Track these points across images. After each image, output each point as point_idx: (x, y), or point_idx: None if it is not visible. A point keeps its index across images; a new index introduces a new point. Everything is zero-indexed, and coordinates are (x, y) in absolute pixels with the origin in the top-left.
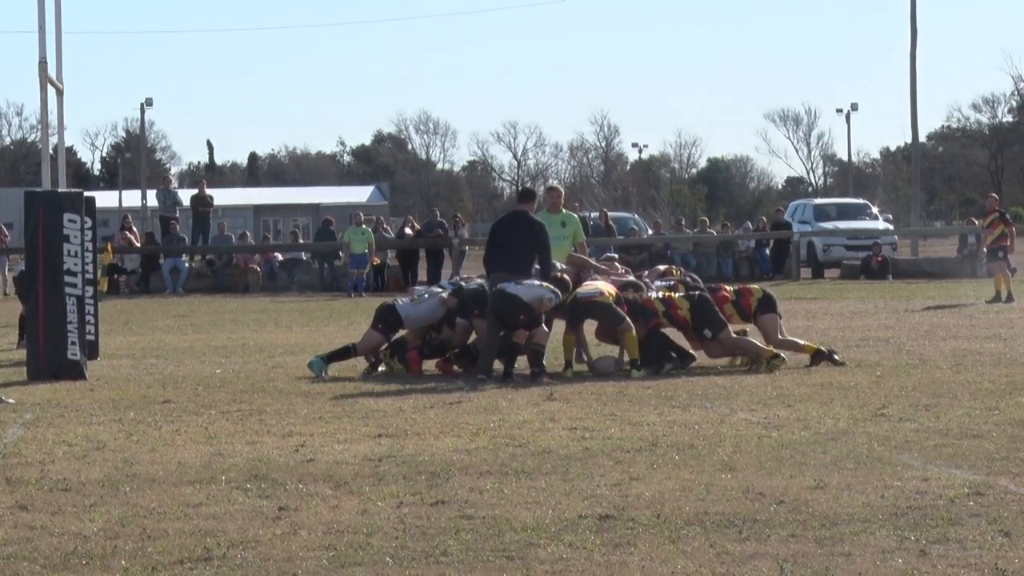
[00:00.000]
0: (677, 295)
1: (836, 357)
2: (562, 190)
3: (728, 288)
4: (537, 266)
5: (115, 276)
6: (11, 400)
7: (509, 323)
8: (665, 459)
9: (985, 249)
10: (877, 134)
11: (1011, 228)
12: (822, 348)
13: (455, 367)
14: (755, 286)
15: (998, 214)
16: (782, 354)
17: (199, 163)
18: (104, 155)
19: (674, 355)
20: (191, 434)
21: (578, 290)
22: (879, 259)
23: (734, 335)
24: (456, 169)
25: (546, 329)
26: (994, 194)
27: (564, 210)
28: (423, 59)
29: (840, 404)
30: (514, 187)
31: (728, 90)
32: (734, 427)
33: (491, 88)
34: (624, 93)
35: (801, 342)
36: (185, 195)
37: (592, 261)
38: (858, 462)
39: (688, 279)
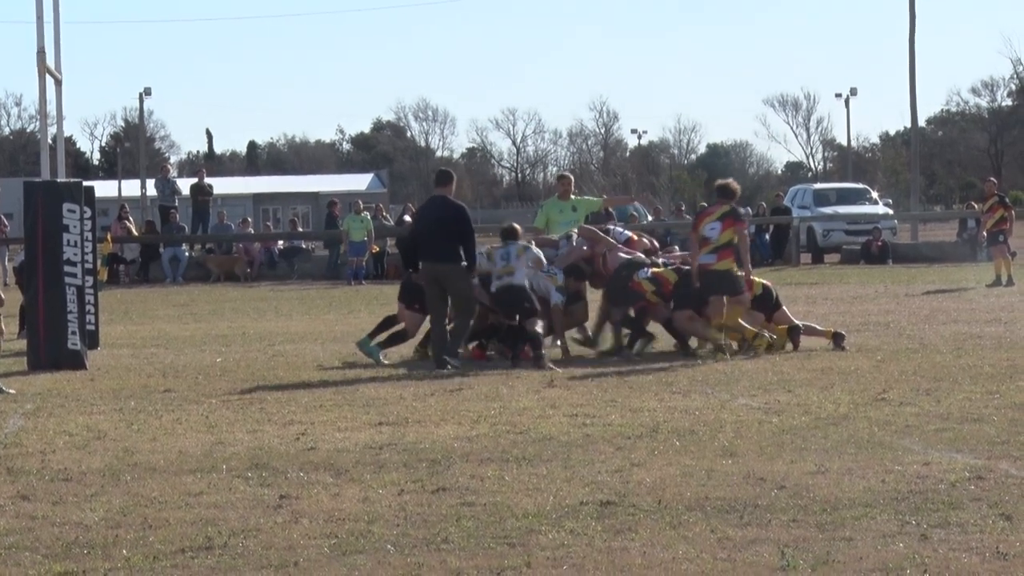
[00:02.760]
0: (667, 268)
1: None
2: (571, 177)
3: None
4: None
5: (115, 266)
6: (12, 390)
7: (522, 314)
8: (666, 445)
9: (985, 233)
10: (876, 119)
11: (1011, 212)
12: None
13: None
14: (758, 280)
15: (997, 198)
16: (765, 333)
17: (198, 152)
18: (103, 145)
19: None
20: (192, 423)
21: (700, 257)
22: (879, 244)
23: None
24: (455, 156)
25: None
26: (992, 178)
27: (574, 196)
28: (421, 46)
29: (841, 389)
30: (514, 174)
31: (727, 75)
32: (735, 413)
33: (489, 75)
34: (623, 79)
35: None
36: (185, 184)
37: (601, 233)
38: (859, 447)
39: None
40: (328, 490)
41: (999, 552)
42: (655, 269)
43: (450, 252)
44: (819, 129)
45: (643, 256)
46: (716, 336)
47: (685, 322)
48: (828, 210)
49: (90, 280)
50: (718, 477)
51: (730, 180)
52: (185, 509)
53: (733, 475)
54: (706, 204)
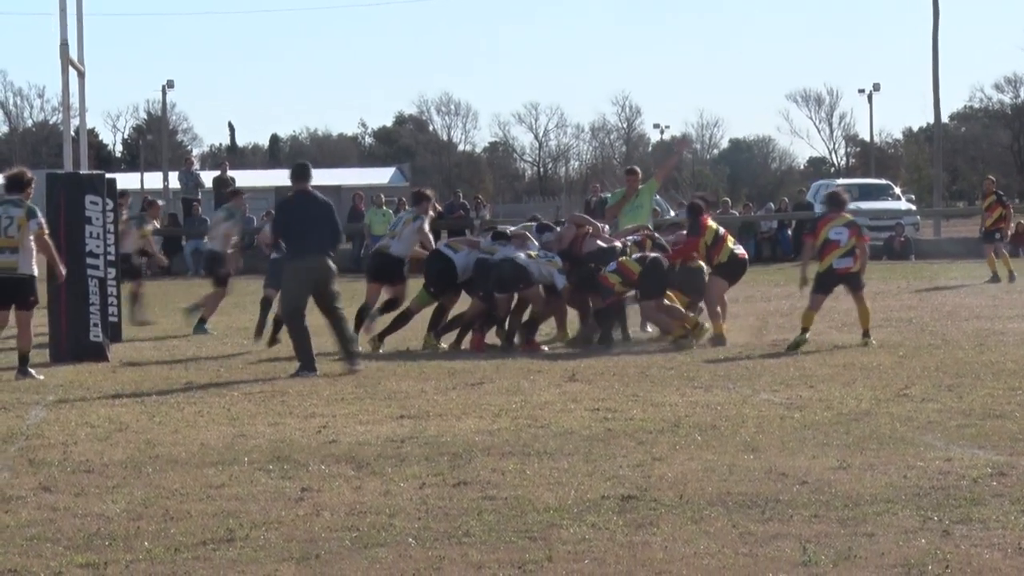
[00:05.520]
0: (631, 259)
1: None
2: (639, 172)
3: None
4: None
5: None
6: (40, 376)
7: (509, 289)
8: (687, 440)
9: (982, 231)
10: (899, 114)
11: (1009, 210)
12: (723, 334)
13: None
14: (731, 248)
15: (996, 197)
16: (689, 335)
17: (221, 145)
18: (126, 137)
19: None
20: (213, 415)
21: (832, 261)
22: (901, 240)
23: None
24: (477, 150)
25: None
26: (991, 176)
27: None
28: (444, 40)
29: (863, 384)
30: (536, 168)
31: (750, 70)
32: (756, 407)
33: (512, 69)
34: (646, 74)
35: (719, 320)
36: (207, 177)
37: (592, 220)
38: (881, 442)
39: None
40: (349, 483)
41: (1021, 548)
42: (621, 258)
43: (329, 249)
44: (842, 124)
45: (619, 245)
46: (680, 331)
47: (651, 312)
48: (851, 206)
49: (112, 272)
50: (740, 472)
51: (839, 189)
52: (207, 501)
53: (755, 470)
54: (728, 199)
